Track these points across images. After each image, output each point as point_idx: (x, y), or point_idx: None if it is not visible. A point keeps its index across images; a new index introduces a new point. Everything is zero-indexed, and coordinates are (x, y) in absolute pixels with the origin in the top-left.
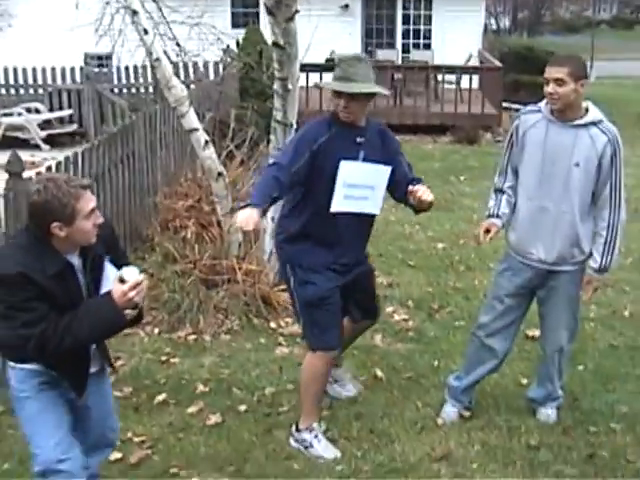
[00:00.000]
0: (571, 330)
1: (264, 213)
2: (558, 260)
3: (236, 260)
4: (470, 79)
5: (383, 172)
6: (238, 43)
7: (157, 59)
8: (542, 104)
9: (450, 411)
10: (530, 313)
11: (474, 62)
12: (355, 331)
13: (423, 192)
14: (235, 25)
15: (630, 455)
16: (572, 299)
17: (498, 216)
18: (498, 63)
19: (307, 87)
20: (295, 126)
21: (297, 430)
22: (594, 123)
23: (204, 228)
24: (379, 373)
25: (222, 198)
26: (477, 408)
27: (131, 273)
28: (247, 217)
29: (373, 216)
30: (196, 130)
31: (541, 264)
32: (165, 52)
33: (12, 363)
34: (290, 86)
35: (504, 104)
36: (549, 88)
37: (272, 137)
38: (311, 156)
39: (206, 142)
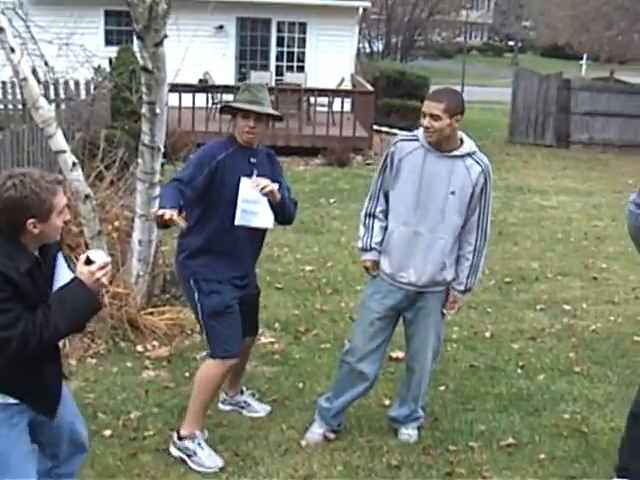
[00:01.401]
0: (435, 350)
1: (179, 212)
2: (427, 283)
3: None
4: (342, 102)
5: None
6: (111, 61)
7: (24, 79)
8: (419, 133)
9: (315, 432)
10: (393, 334)
11: (346, 85)
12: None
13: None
14: (108, 43)
15: (486, 472)
16: (438, 320)
17: (372, 248)
18: (370, 87)
19: (180, 107)
20: (163, 149)
21: (179, 438)
22: (469, 154)
23: (72, 250)
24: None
25: (89, 220)
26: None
27: (98, 255)
28: (163, 210)
29: (265, 231)
30: (64, 152)
31: (411, 287)
32: (34, 70)
33: None
34: (158, 110)
35: (375, 127)
36: (425, 122)
37: (140, 160)
38: (210, 172)
39: (74, 164)
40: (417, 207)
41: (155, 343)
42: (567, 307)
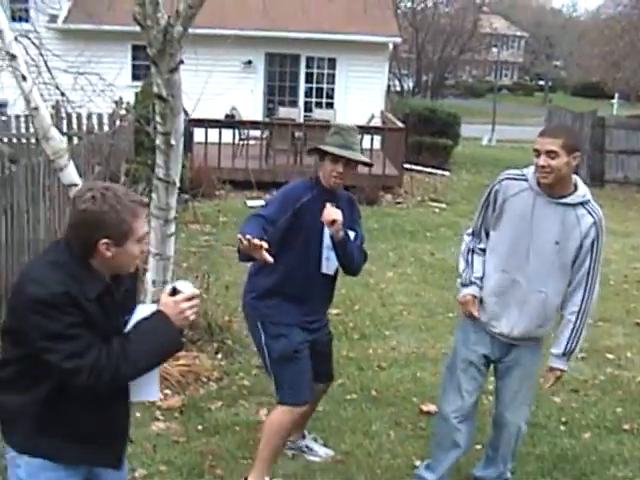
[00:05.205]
0: (529, 406)
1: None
2: (519, 337)
3: None
4: (372, 139)
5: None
6: (137, 95)
7: (35, 108)
8: (529, 172)
9: None
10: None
11: (376, 122)
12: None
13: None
14: (136, 77)
15: None
16: (531, 375)
17: (472, 282)
18: (400, 124)
19: (206, 143)
20: (178, 184)
21: None
22: (582, 203)
23: None
24: None
25: None
26: None
27: (185, 285)
28: (250, 236)
29: (336, 275)
30: (75, 185)
31: (502, 337)
32: (58, 102)
33: (25, 457)
34: (173, 141)
35: (405, 165)
36: (541, 161)
37: (154, 195)
38: (293, 214)
39: None
40: (518, 254)
41: (167, 392)
42: (610, 356)
